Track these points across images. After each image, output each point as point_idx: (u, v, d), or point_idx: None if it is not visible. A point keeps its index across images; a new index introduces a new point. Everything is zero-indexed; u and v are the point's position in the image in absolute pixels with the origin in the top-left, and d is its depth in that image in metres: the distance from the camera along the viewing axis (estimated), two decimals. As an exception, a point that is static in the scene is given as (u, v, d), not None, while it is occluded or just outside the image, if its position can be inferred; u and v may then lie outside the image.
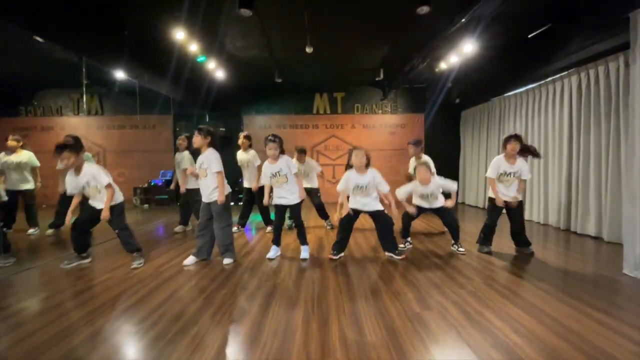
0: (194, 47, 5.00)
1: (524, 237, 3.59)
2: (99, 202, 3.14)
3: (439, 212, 3.73)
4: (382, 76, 6.86)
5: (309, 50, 5.32)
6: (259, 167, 4.15)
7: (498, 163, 3.54)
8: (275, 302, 2.36)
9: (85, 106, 8.40)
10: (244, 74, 6.95)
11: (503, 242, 3.86)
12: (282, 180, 3.33)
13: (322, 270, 3.07)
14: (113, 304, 2.35)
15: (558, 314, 2.16)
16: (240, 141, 4.65)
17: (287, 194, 3.36)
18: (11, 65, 6.35)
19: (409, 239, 3.92)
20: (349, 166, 3.34)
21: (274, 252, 3.47)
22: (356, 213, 3.37)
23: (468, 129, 7.79)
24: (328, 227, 5.02)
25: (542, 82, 5.27)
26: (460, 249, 3.63)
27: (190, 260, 3.27)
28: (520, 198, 3.56)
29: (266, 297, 2.45)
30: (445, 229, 4.08)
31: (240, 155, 4.67)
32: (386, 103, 8.42)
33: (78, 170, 3.11)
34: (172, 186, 5.28)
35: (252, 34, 5.07)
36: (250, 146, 4.67)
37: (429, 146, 7.88)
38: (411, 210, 3.66)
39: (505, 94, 6.26)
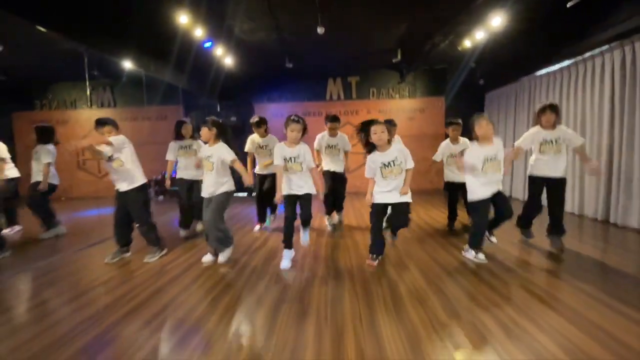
0: (200, 32, 4.74)
1: (560, 222, 3.20)
2: (123, 183, 3.09)
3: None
4: (399, 57, 6.43)
5: (320, 30, 4.97)
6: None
7: (534, 131, 3.16)
8: (284, 310, 2.14)
9: (95, 98, 8.36)
10: (253, 61, 6.67)
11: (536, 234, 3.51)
12: (297, 168, 2.95)
13: (337, 271, 2.83)
14: (119, 305, 2.20)
15: (607, 323, 1.86)
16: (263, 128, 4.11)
17: (301, 182, 2.93)
18: (24, 58, 6.30)
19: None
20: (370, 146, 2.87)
21: (288, 258, 2.97)
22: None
23: (493, 112, 7.27)
24: (329, 227, 4.29)
25: (580, 58, 4.74)
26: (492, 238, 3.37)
27: (207, 257, 3.11)
28: (596, 166, 3.26)
29: (274, 304, 2.23)
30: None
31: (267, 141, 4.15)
32: (404, 87, 7.97)
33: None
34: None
35: (259, 14, 4.76)
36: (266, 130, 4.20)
37: (449, 132, 7.46)
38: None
39: (537, 73, 5.73)
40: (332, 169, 4.26)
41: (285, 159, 2.90)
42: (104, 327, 1.96)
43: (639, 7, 3.63)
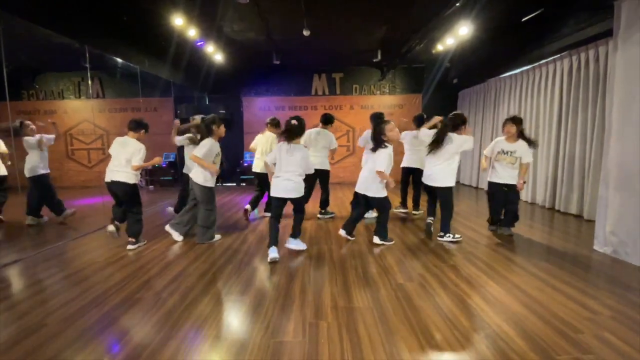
0: (192, 32, 5.07)
1: (509, 218, 3.69)
2: (122, 174, 3.39)
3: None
4: (379, 57, 6.90)
5: (306, 33, 5.38)
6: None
7: (496, 141, 3.70)
8: (276, 275, 2.65)
9: (90, 90, 8.49)
10: (242, 57, 7.01)
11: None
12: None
13: (319, 248, 3.35)
14: (131, 280, 2.64)
15: (526, 285, 2.44)
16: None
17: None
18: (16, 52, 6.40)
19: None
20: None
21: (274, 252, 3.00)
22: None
23: (465, 109, 7.88)
24: (325, 217, 4.74)
25: (536, 64, 5.36)
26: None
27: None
28: (523, 180, 3.58)
29: (268, 271, 2.74)
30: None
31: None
32: (384, 83, 8.46)
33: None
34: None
35: (249, 17, 5.12)
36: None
37: (425, 127, 8.05)
38: None
39: (501, 75, 6.34)
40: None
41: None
42: (128, 292, 2.42)
43: (581, 25, 4.22)
